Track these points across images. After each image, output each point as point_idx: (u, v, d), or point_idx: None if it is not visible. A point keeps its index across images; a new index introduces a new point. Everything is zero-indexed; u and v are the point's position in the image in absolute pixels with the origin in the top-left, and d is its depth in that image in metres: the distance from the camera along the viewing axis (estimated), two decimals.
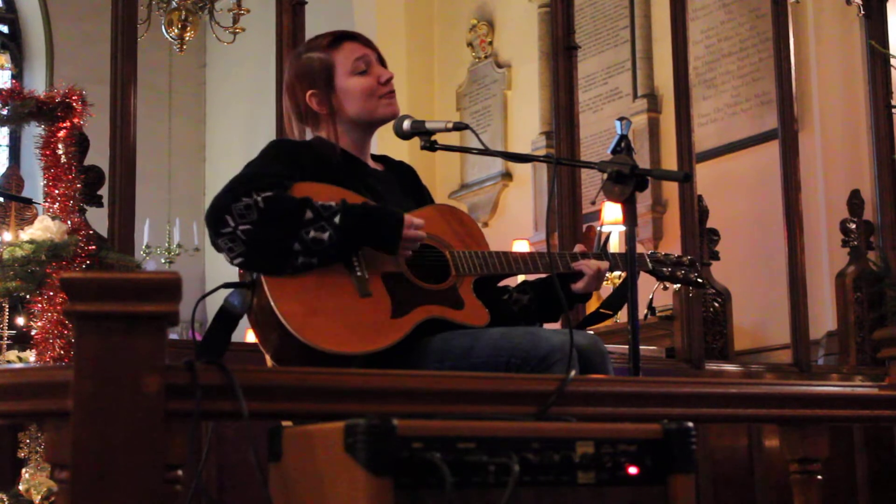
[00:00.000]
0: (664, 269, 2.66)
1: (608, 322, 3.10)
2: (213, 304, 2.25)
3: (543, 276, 2.60)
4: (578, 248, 2.61)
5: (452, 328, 2.35)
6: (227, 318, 2.20)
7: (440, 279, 2.40)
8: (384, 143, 2.73)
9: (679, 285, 3.03)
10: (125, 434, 1.56)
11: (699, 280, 2.74)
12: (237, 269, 2.32)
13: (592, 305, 3.00)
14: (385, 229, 2.28)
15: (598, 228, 5.37)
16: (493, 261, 2.46)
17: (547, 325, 2.57)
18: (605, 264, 2.54)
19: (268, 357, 2.35)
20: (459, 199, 8.44)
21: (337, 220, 2.23)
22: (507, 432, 1.66)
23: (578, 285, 2.53)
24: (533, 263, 2.51)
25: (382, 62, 2.56)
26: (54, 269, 3.32)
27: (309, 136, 2.56)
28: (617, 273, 2.90)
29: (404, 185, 2.61)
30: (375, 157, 2.62)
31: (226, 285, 2.26)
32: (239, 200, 2.20)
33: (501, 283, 2.64)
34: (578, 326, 2.60)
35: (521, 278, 2.80)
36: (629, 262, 2.40)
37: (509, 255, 2.50)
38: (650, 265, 2.65)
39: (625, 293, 2.43)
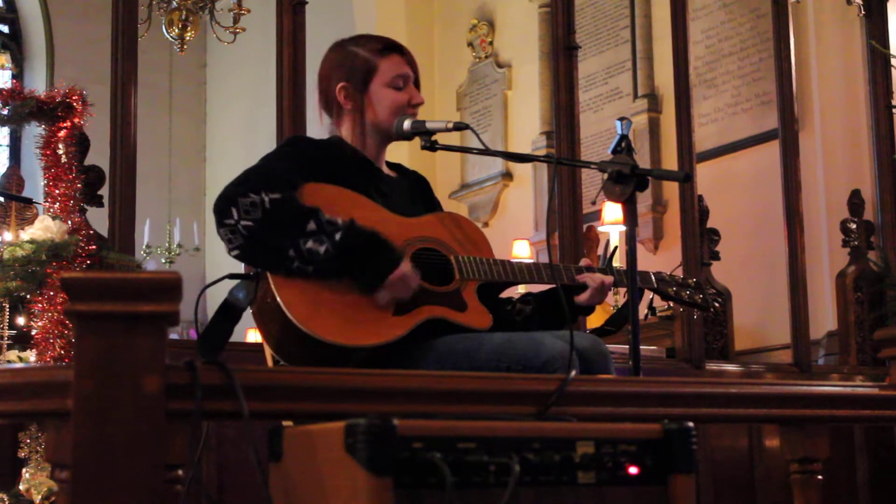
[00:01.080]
0: (669, 289, 2.66)
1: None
2: (214, 304, 2.25)
3: (546, 287, 2.60)
4: (584, 261, 2.62)
5: (454, 330, 2.35)
6: (230, 310, 2.19)
7: (444, 283, 2.40)
8: None
9: (683, 306, 3.02)
10: (125, 434, 1.56)
11: (704, 303, 2.72)
12: (239, 262, 2.32)
13: (596, 317, 3.01)
14: (379, 261, 2.25)
15: (606, 240, 5.35)
16: (498, 268, 2.46)
17: None
18: (609, 278, 2.54)
19: (268, 355, 2.35)
20: (460, 199, 8.44)
21: (338, 236, 2.22)
22: (507, 432, 1.66)
23: (582, 298, 2.53)
24: (537, 273, 2.50)
25: (418, 85, 2.57)
26: (55, 269, 3.31)
27: (328, 131, 2.56)
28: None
29: (415, 193, 2.62)
30: (390, 165, 2.63)
31: (231, 276, 2.27)
32: (246, 195, 2.21)
33: (504, 294, 2.64)
34: None
35: (522, 289, 2.81)
36: (629, 261, 2.40)
37: (514, 264, 2.50)
38: (655, 284, 2.65)
39: (629, 311, 2.43)
